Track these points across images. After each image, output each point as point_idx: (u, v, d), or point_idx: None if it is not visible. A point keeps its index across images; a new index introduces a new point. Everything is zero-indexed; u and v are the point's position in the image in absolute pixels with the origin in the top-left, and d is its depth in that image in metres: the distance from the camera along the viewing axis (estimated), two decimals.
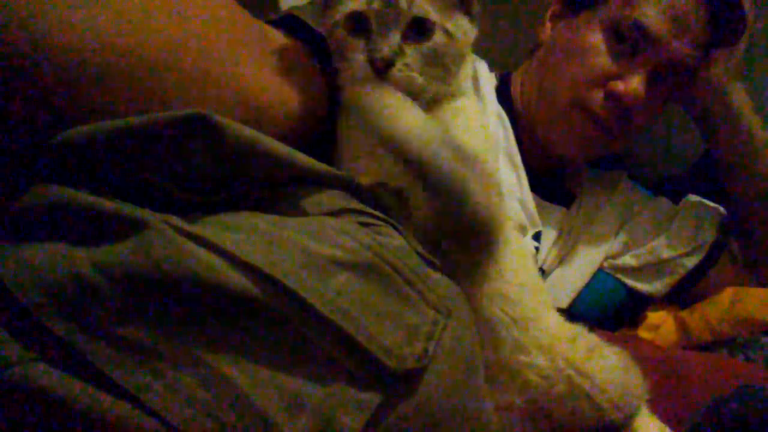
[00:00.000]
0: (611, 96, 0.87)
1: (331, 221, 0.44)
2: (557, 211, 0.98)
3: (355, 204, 0.46)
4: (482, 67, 0.90)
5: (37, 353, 0.36)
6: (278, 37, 0.63)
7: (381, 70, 0.55)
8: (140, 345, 0.37)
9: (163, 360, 0.37)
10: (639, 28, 0.84)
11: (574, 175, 1.05)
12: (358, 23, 0.56)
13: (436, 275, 0.47)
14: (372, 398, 0.39)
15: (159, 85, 0.48)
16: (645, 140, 1.27)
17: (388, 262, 0.43)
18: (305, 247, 0.40)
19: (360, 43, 0.56)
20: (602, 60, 0.87)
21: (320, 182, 0.48)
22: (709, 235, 0.99)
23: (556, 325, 0.62)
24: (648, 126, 0.95)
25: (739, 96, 0.92)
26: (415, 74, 0.56)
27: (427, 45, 0.56)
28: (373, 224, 0.46)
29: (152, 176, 0.43)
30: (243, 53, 0.56)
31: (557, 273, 0.98)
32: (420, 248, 0.47)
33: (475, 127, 0.62)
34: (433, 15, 0.56)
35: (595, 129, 0.89)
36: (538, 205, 0.92)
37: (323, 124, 0.65)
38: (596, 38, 0.87)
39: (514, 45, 1.11)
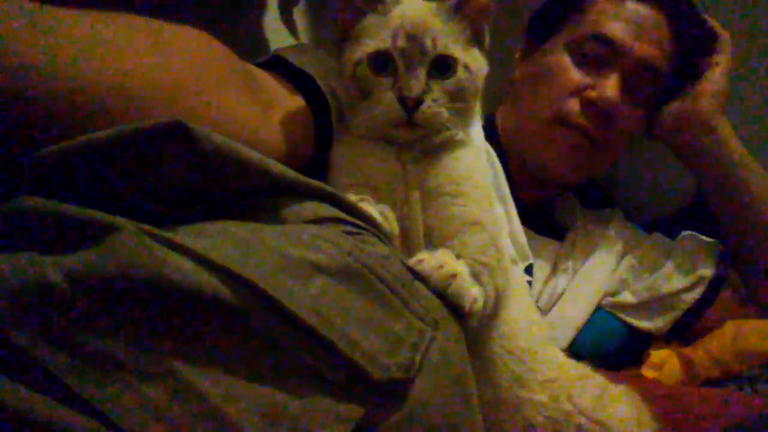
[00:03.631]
0: (587, 104, 0.88)
1: (311, 228, 0.42)
2: (549, 245, 0.97)
3: (337, 213, 0.45)
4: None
5: None
6: (264, 78, 0.64)
7: (411, 109, 0.56)
8: (106, 355, 0.35)
9: (130, 371, 0.35)
10: (601, 38, 0.88)
11: (565, 208, 1.05)
12: (382, 62, 0.57)
13: (422, 287, 0.45)
14: (354, 411, 0.37)
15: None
16: (636, 183, 1.27)
17: (371, 269, 0.41)
18: (282, 251, 0.39)
19: (385, 81, 0.57)
20: (572, 75, 0.90)
21: (300, 193, 0.47)
22: (708, 269, 0.97)
23: (557, 360, 0.61)
24: (633, 134, 0.96)
25: (726, 130, 0.93)
26: (441, 109, 0.58)
27: (451, 81, 0.58)
28: (357, 233, 0.44)
29: (128, 189, 0.42)
30: (228, 93, 0.56)
31: (555, 312, 0.96)
32: (406, 260, 0.46)
33: (483, 191, 0.63)
34: (456, 52, 0.58)
35: (580, 140, 0.90)
36: (529, 239, 0.91)
37: (308, 161, 0.65)
38: (563, 59, 0.91)
39: (496, 86, 1.13)
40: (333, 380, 0.37)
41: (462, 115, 0.61)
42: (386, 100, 0.57)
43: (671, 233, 1.05)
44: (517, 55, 1.01)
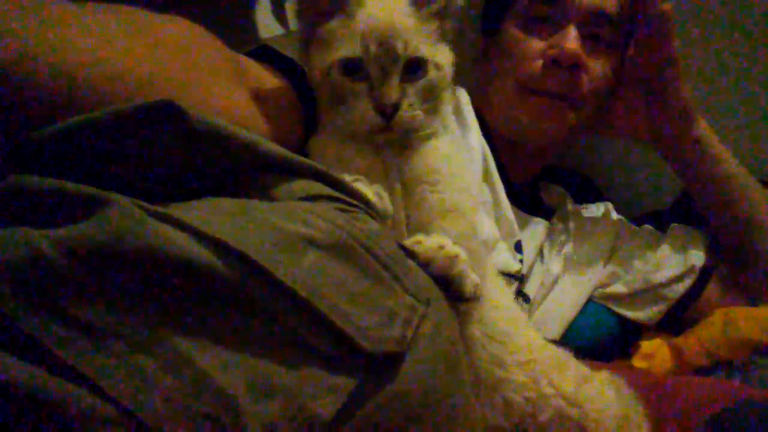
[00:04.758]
0: (551, 63, 0.87)
1: (303, 204, 0.43)
2: (537, 223, 0.97)
3: (329, 191, 0.45)
4: (462, 94, 0.92)
5: None
6: (253, 67, 0.64)
7: (390, 116, 0.56)
8: (98, 326, 0.35)
9: (122, 342, 0.35)
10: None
11: (551, 192, 1.06)
12: (354, 68, 0.57)
13: (414, 264, 0.45)
14: (346, 382, 0.37)
15: None
16: (625, 179, 1.28)
17: (363, 244, 0.41)
18: (275, 225, 0.39)
19: (360, 88, 0.58)
20: (529, 42, 0.88)
21: (291, 171, 0.47)
22: (697, 259, 0.98)
23: (537, 343, 0.61)
24: (605, 86, 0.93)
25: (705, 134, 0.94)
26: (417, 112, 0.58)
27: (423, 82, 0.58)
28: (349, 211, 0.44)
29: (120, 168, 0.42)
30: (216, 80, 0.56)
31: (548, 302, 0.96)
32: (402, 242, 0.46)
33: (461, 178, 0.63)
34: (426, 52, 0.58)
35: (552, 102, 0.89)
36: (518, 218, 0.91)
37: (296, 149, 0.65)
38: (517, 32, 0.90)
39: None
40: (325, 353, 0.37)
41: (435, 111, 0.62)
42: (362, 108, 0.58)
43: (660, 226, 1.06)
44: (480, 49, 1.00)
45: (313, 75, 0.62)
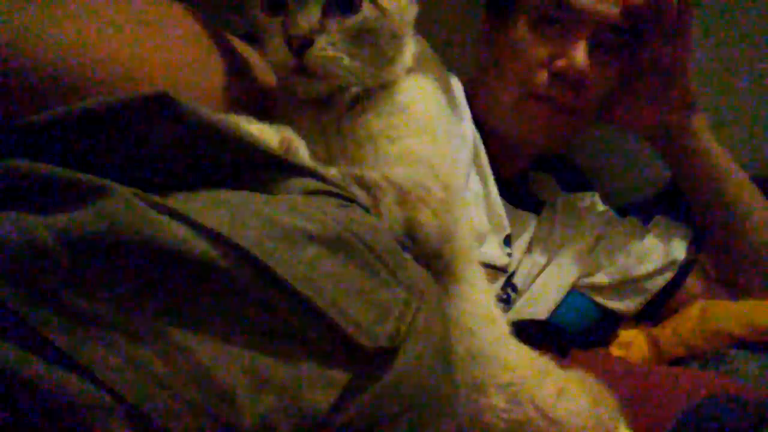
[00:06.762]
0: (557, 75, 0.87)
1: (302, 198, 0.43)
2: (527, 218, 0.98)
3: (327, 187, 0.45)
4: (456, 82, 0.91)
5: None
6: (246, 49, 0.63)
7: (298, 49, 0.49)
8: (95, 315, 0.35)
9: (119, 331, 0.35)
10: (562, 5, 0.85)
11: (541, 184, 1.07)
12: (276, 1, 0.51)
13: (410, 258, 0.46)
14: (341, 376, 0.37)
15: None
16: (612, 168, 1.29)
17: (361, 238, 0.41)
18: (273, 218, 0.39)
19: (277, 23, 0.51)
20: (538, 47, 0.87)
21: (289, 170, 0.46)
22: (679, 253, 1.00)
23: (516, 360, 0.59)
24: (607, 95, 0.94)
25: (702, 128, 0.95)
26: (340, 54, 0.50)
27: (353, 20, 0.51)
28: (347, 205, 0.44)
29: (115, 160, 0.42)
30: (212, 64, 0.55)
31: (533, 290, 0.98)
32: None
33: (423, 123, 0.56)
34: None
35: (553, 110, 0.89)
36: (508, 212, 0.92)
37: None
38: (527, 33, 0.88)
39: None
40: (321, 347, 0.37)
41: (377, 64, 0.54)
42: (276, 44, 0.51)
43: (645, 218, 1.07)
44: (481, 33, 0.98)
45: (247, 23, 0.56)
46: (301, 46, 0.49)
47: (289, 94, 0.57)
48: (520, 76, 0.89)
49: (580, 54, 0.85)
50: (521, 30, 0.89)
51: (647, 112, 0.95)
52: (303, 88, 0.54)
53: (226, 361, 0.36)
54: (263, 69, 0.62)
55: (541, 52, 0.87)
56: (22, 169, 0.38)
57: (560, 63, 0.86)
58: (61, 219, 0.36)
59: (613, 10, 0.86)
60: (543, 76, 0.87)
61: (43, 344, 0.34)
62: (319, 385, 0.37)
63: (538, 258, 0.99)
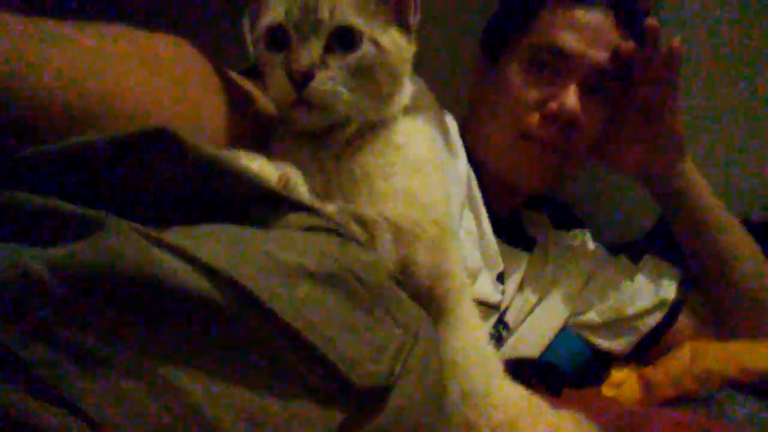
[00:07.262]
0: (548, 118, 0.88)
1: (299, 234, 0.43)
2: (520, 255, 0.99)
3: (324, 223, 0.45)
4: (451, 120, 0.93)
5: None
6: (248, 85, 0.64)
7: (300, 83, 0.51)
8: (85, 349, 0.34)
9: (109, 366, 0.34)
10: (555, 50, 0.88)
11: (534, 221, 1.08)
12: (279, 37, 0.53)
13: (405, 295, 0.46)
14: (335, 416, 0.37)
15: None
16: (603, 206, 1.31)
17: (357, 275, 0.41)
18: (270, 254, 0.39)
19: (280, 58, 0.53)
20: (530, 90, 0.89)
21: (287, 206, 0.46)
22: (669, 293, 1.00)
23: (508, 399, 0.59)
24: (598, 136, 0.95)
25: (690, 170, 0.96)
26: (339, 88, 0.52)
27: (353, 56, 0.53)
28: (344, 242, 0.44)
29: (113, 194, 0.42)
30: (212, 99, 0.56)
31: (524, 328, 0.98)
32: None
33: (418, 163, 0.58)
34: (360, 24, 0.53)
35: (545, 152, 0.90)
36: (501, 249, 0.92)
37: None
38: (519, 74, 0.90)
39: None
40: (315, 385, 0.37)
41: (375, 99, 0.56)
42: (277, 76, 0.53)
43: (635, 257, 1.08)
44: (473, 70, 1.01)
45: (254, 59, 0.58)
46: (303, 79, 0.51)
47: (289, 127, 0.58)
48: (512, 118, 0.90)
49: (571, 97, 0.87)
50: (514, 73, 0.91)
51: (635, 153, 0.96)
52: (303, 121, 0.55)
53: (220, 400, 0.35)
54: (264, 103, 0.63)
55: (533, 94, 0.89)
56: (16, 201, 0.38)
57: (552, 106, 0.88)
58: (56, 251, 0.36)
59: (603, 55, 0.88)
60: (535, 118, 0.89)
61: (30, 378, 0.33)
62: (313, 424, 0.36)
63: (530, 296, 0.99)
